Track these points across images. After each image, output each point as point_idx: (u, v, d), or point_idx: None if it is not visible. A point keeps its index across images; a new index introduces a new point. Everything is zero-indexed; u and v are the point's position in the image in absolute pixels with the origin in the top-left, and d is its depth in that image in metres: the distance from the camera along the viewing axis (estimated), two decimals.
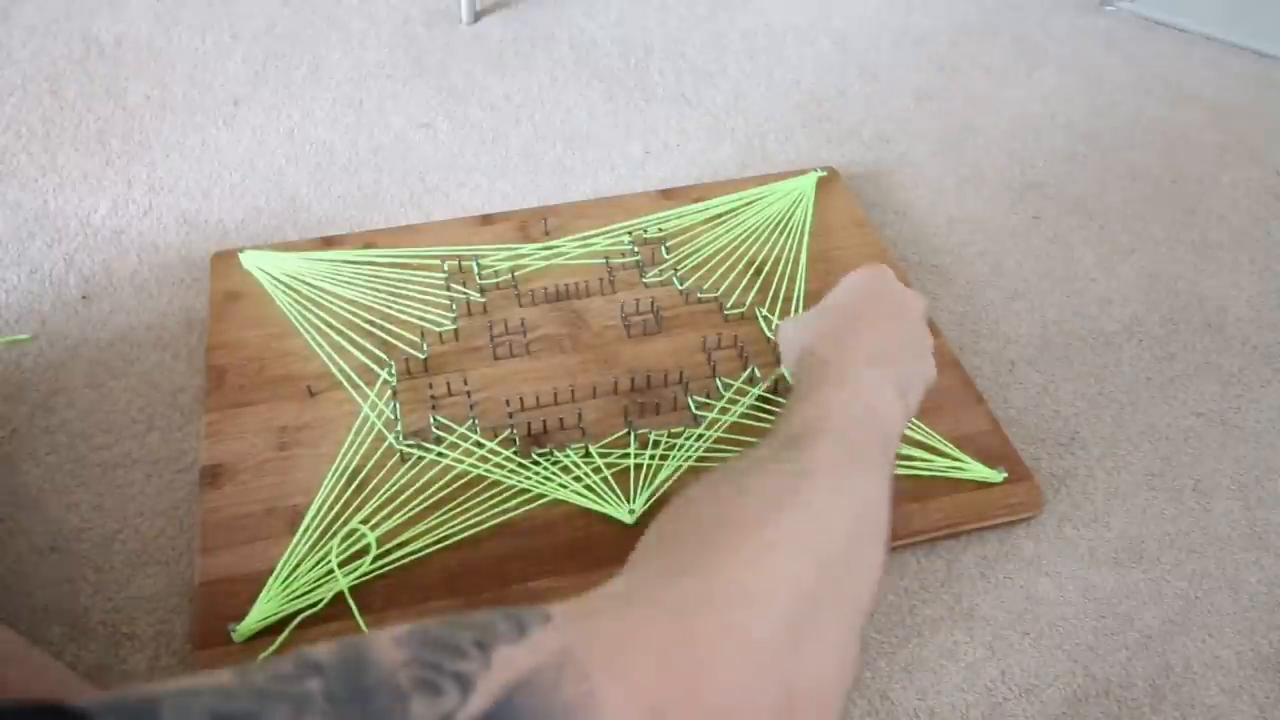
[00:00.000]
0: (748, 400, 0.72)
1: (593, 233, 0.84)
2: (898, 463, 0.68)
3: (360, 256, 0.82)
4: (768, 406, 0.72)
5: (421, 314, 0.77)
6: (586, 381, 0.73)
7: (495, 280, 0.80)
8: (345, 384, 0.72)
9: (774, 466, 0.41)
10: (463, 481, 0.67)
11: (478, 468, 0.68)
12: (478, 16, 1.13)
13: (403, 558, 0.63)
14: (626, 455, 0.69)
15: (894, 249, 0.87)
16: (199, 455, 0.69)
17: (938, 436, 0.70)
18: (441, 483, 0.67)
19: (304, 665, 0.28)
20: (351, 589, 0.61)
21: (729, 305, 0.79)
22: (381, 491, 0.66)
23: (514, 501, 0.66)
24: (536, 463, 0.68)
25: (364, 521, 0.64)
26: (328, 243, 0.84)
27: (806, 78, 1.07)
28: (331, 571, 0.62)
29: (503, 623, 0.30)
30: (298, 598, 0.60)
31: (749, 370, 0.74)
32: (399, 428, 0.70)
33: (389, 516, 0.65)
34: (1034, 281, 0.86)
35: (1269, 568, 0.67)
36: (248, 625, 0.59)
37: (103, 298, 0.81)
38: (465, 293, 0.79)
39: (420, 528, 0.64)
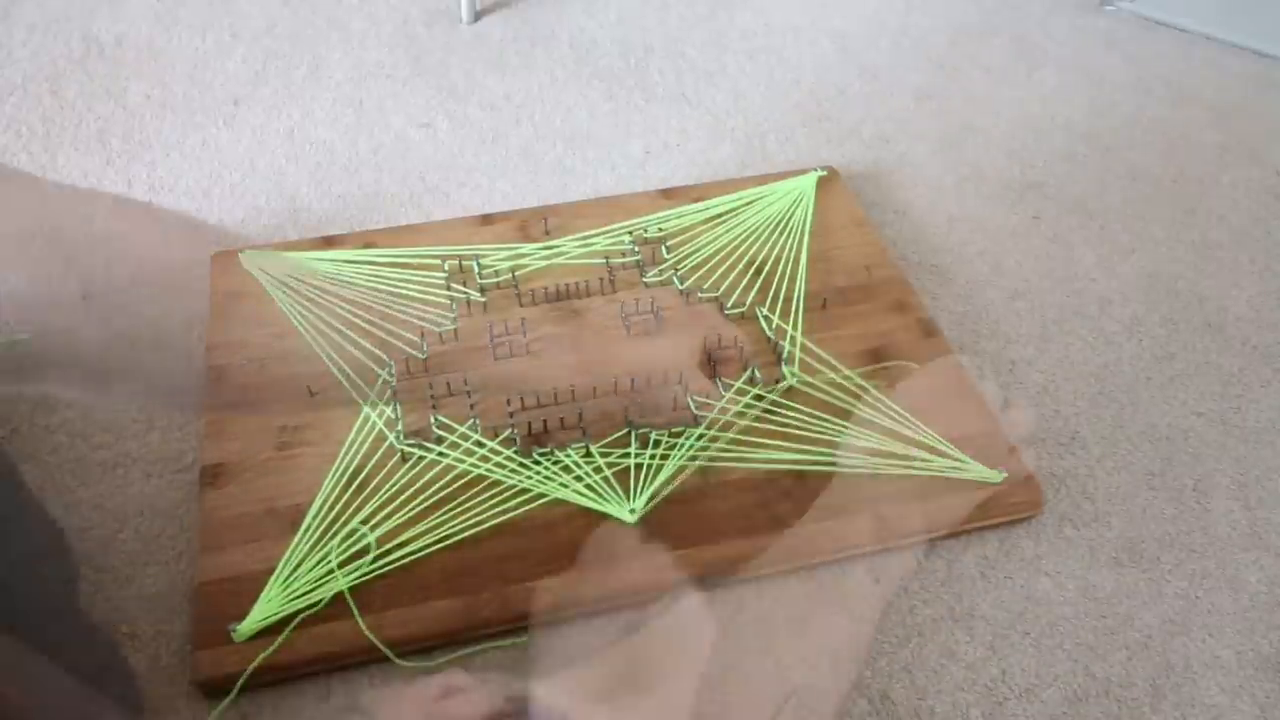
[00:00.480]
0: (748, 400, 0.72)
1: (593, 232, 0.84)
2: (898, 463, 0.68)
3: (360, 256, 0.82)
4: (768, 406, 0.72)
5: (422, 314, 0.77)
6: (587, 381, 0.73)
7: (495, 280, 0.80)
8: (345, 384, 0.72)
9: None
10: (463, 481, 0.67)
11: (478, 467, 0.68)
12: (478, 16, 1.13)
13: (403, 557, 0.63)
14: (627, 455, 0.69)
15: (894, 249, 0.87)
16: (199, 455, 0.69)
17: (937, 436, 0.70)
18: (442, 482, 0.67)
19: None
20: (352, 589, 0.61)
21: (729, 305, 0.79)
22: (382, 491, 0.66)
23: (514, 501, 0.66)
24: (537, 462, 0.68)
25: (364, 521, 0.65)
26: (328, 243, 0.84)
27: (806, 77, 1.07)
28: (332, 571, 0.62)
29: None
30: (298, 597, 0.60)
31: (749, 370, 0.74)
32: (399, 427, 0.70)
33: (389, 516, 0.65)
34: (1034, 281, 0.86)
35: (1269, 568, 0.67)
36: (248, 625, 0.59)
37: (103, 297, 0.81)
38: (465, 292, 0.79)
39: (421, 527, 0.64)
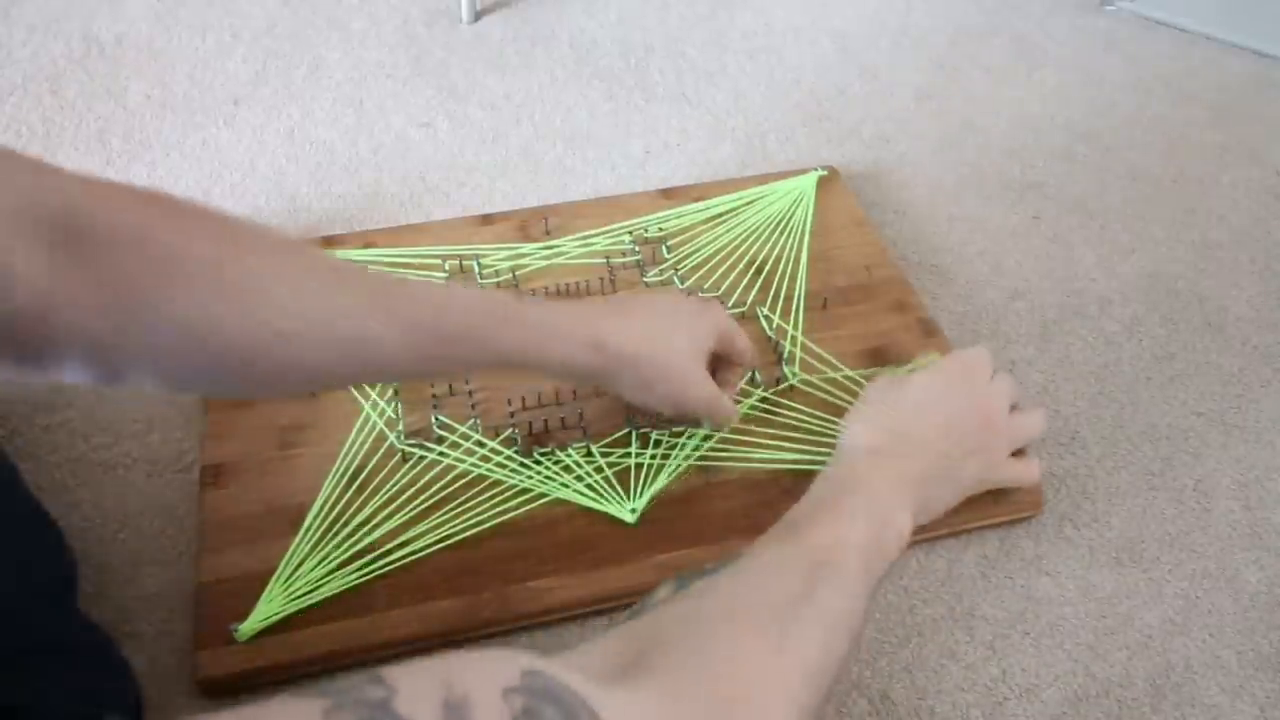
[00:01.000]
0: (749, 400, 0.72)
1: (593, 232, 0.84)
2: None
3: (360, 256, 0.82)
4: (768, 406, 0.72)
5: None
6: None
7: (496, 280, 0.80)
8: None
9: (781, 584, 0.45)
10: (464, 481, 0.67)
11: (479, 467, 0.68)
12: (478, 16, 1.13)
13: (404, 557, 0.63)
14: (628, 454, 0.69)
15: (894, 249, 0.87)
16: (199, 455, 0.69)
17: None
18: (443, 482, 0.67)
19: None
20: (354, 588, 0.61)
21: (730, 305, 0.79)
22: (383, 491, 0.66)
23: (515, 501, 0.66)
24: (538, 462, 0.68)
25: (366, 521, 0.65)
26: (328, 242, 0.84)
27: (806, 77, 1.07)
28: (333, 571, 0.62)
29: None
30: (300, 597, 0.60)
31: (750, 373, 0.74)
32: (400, 427, 0.70)
33: (391, 516, 0.65)
34: (1034, 281, 0.86)
35: (1269, 568, 0.67)
36: (250, 625, 0.59)
37: None
38: None
39: (422, 527, 0.64)
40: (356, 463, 0.68)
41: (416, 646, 0.60)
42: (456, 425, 0.70)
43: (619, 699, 0.34)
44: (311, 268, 0.45)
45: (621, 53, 1.10)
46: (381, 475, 0.67)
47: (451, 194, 0.92)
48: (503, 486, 0.67)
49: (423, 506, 0.65)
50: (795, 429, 0.71)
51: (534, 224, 0.85)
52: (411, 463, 0.68)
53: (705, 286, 0.80)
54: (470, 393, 0.72)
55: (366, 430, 0.70)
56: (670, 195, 0.89)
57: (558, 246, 0.83)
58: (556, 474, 0.67)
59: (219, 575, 0.62)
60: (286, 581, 0.61)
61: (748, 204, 0.88)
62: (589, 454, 0.69)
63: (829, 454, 0.69)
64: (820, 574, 0.46)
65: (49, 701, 0.51)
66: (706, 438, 0.69)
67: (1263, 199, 0.95)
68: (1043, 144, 1.00)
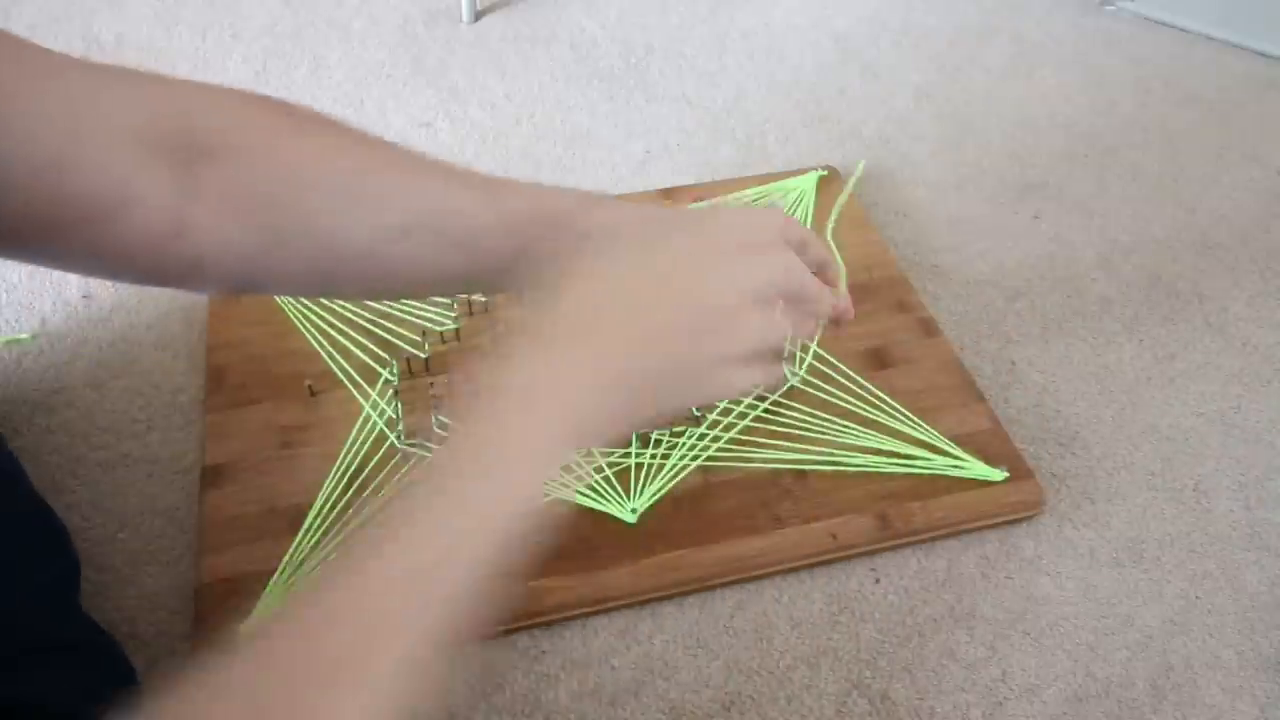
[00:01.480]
0: (749, 400, 0.72)
1: None
2: (898, 462, 0.68)
3: None
4: (769, 406, 0.72)
5: (423, 313, 0.77)
6: None
7: None
8: (347, 383, 0.72)
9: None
10: None
11: None
12: (478, 16, 1.13)
13: None
14: (628, 454, 0.69)
15: (894, 249, 0.87)
16: (199, 455, 0.69)
17: (939, 435, 0.70)
18: None
19: None
20: None
21: None
22: (384, 491, 0.66)
23: None
24: None
25: (366, 521, 0.64)
26: None
27: (806, 77, 1.07)
28: None
29: None
30: None
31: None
32: (400, 427, 0.70)
33: None
34: (1034, 281, 0.86)
35: (1269, 568, 0.67)
36: (250, 625, 0.59)
37: (103, 297, 0.81)
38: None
39: None
40: (356, 463, 0.68)
41: None
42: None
43: None
44: (424, 168, 0.46)
45: (621, 53, 1.10)
46: (382, 475, 0.67)
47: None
48: None
49: None
50: (795, 429, 0.71)
51: None
52: (412, 462, 0.68)
53: None
54: None
55: (366, 430, 0.70)
56: (670, 195, 0.89)
57: None
58: (556, 474, 0.67)
59: (219, 575, 0.62)
60: (287, 582, 0.61)
61: (748, 204, 0.87)
62: (589, 454, 0.69)
63: (829, 453, 0.69)
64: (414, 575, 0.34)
65: (51, 700, 0.51)
66: (706, 437, 0.69)
67: (1263, 199, 0.95)
68: (1043, 144, 1.00)
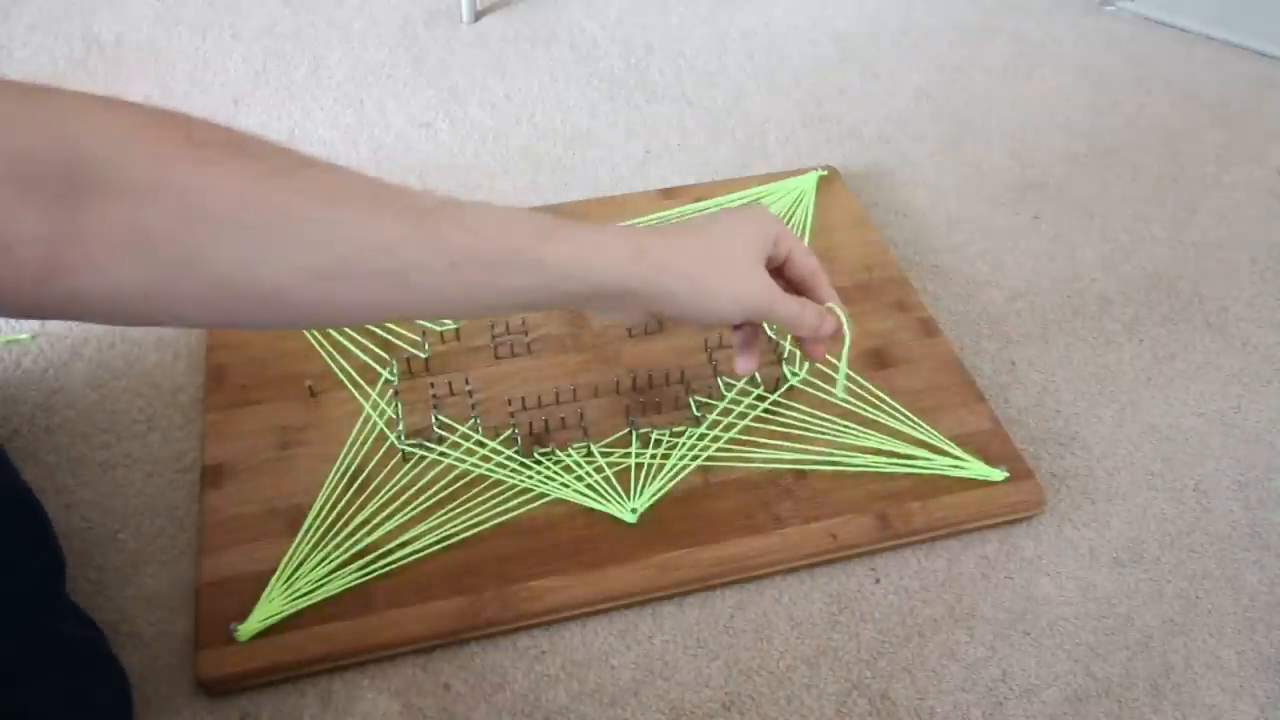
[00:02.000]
0: (749, 400, 0.72)
1: None
2: (898, 462, 0.68)
3: None
4: (769, 406, 0.72)
5: None
6: (588, 381, 0.73)
7: None
8: (347, 383, 0.73)
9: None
10: (464, 481, 0.67)
11: (479, 467, 0.68)
12: (478, 16, 1.13)
13: (404, 557, 0.63)
14: (628, 454, 0.69)
15: (894, 249, 0.87)
16: (199, 455, 0.69)
17: (939, 435, 0.70)
18: (443, 482, 0.67)
19: None
20: (354, 588, 0.61)
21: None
22: (383, 491, 0.66)
23: (515, 501, 0.66)
24: (538, 462, 0.68)
25: (366, 521, 0.65)
26: None
27: (807, 77, 1.07)
28: (333, 571, 0.62)
29: None
30: (300, 597, 0.60)
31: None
32: (400, 427, 0.70)
33: (391, 516, 0.65)
34: (1034, 281, 0.86)
35: (1269, 568, 0.67)
36: (250, 625, 0.59)
37: None
38: None
39: (422, 527, 0.64)
40: (356, 463, 0.68)
41: (417, 647, 0.61)
42: (456, 425, 0.70)
43: None
44: (346, 197, 0.42)
45: (621, 53, 1.10)
46: (381, 475, 0.67)
47: (451, 194, 0.92)
48: (503, 486, 0.67)
49: (423, 506, 0.65)
50: (795, 429, 0.71)
51: None
52: (411, 463, 0.68)
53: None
54: (470, 393, 0.72)
55: (366, 430, 0.70)
56: (670, 195, 0.89)
57: None
58: (556, 474, 0.67)
59: (219, 575, 0.62)
60: (286, 582, 0.61)
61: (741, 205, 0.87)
62: (589, 454, 0.69)
63: (829, 453, 0.69)
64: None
65: (33, 711, 0.50)
66: (706, 437, 0.70)
67: (1263, 199, 0.95)
68: (1043, 144, 1.00)
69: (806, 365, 0.74)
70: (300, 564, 0.62)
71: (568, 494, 0.66)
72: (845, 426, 0.71)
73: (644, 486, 0.67)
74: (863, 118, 1.02)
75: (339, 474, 0.67)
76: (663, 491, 0.67)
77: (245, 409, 0.71)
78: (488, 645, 0.62)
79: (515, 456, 0.68)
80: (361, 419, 0.70)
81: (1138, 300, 0.85)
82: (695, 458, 0.68)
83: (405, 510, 0.65)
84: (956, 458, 0.69)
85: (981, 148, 0.99)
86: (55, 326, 0.78)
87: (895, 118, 1.02)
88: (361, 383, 0.73)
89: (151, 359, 0.77)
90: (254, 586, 0.61)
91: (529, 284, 0.46)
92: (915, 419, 0.71)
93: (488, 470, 0.67)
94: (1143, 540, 0.69)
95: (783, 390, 0.73)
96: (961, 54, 1.11)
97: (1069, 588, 0.66)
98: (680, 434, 0.70)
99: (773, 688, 0.60)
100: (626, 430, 0.70)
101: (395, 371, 0.73)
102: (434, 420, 0.70)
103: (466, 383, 0.73)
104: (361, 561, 0.62)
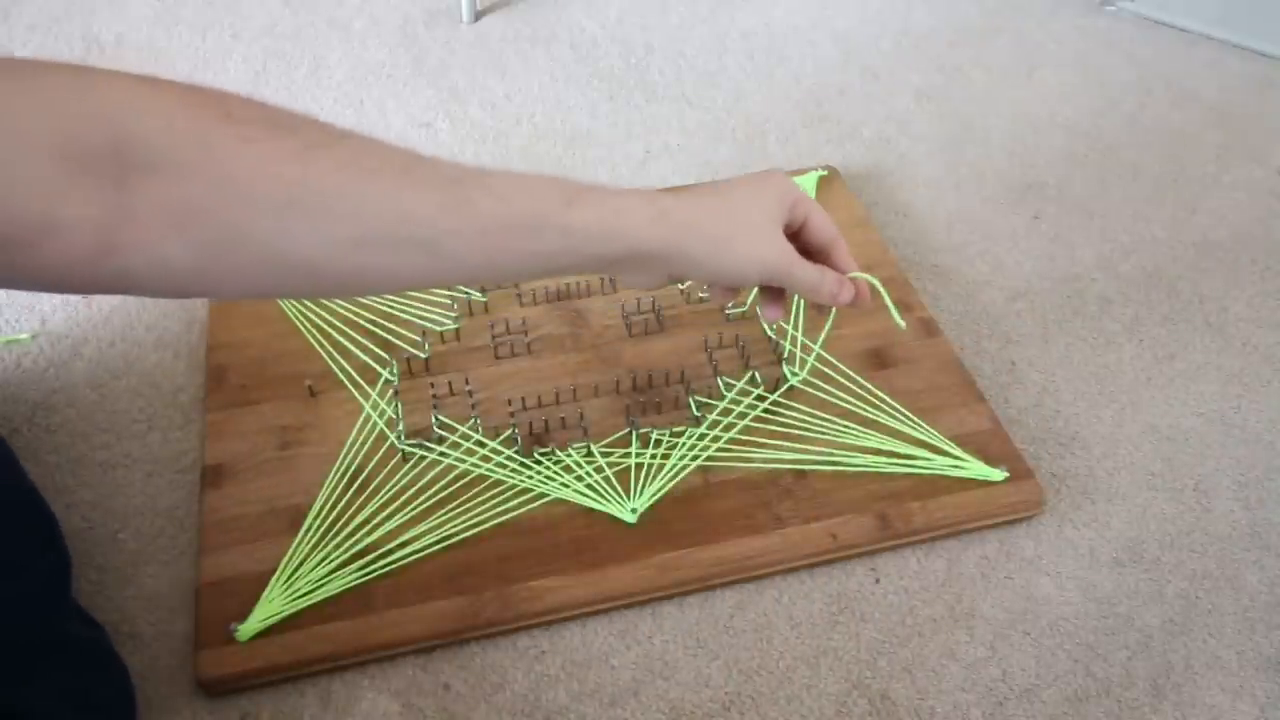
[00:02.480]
0: (749, 400, 0.72)
1: None
2: (898, 462, 0.68)
3: None
4: (769, 406, 0.72)
5: (423, 313, 0.77)
6: (588, 381, 0.73)
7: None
8: (347, 383, 0.73)
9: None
10: (464, 481, 0.67)
11: (479, 467, 0.68)
12: (478, 16, 1.13)
13: (404, 557, 0.63)
14: (628, 454, 0.69)
15: (894, 249, 0.87)
16: (199, 455, 0.69)
17: (939, 435, 0.70)
18: (443, 482, 0.67)
19: None
20: (354, 588, 0.61)
21: (730, 304, 0.79)
22: (383, 491, 0.66)
23: (515, 501, 0.66)
24: (538, 462, 0.68)
25: (366, 521, 0.65)
26: None
27: (807, 77, 1.07)
28: (333, 571, 0.62)
29: None
30: (300, 597, 0.60)
31: (750, 373, 0.74)
32: (400, 427, 0.70)
33: (391, 516, 0.65)
34: (1034, 281, 0.86)
35: (1269, 568, 0.67)
36: (250, 625, 0.59)
37: (103, 297, 0.81)
38: (466, 292, 0.79)
39: (422, 527, 0.64)
40: (356, 463, 0.68)
41: (417, 647, 0.61)
42: (456, 425, 0.70)
43: None
44: (379, 169, 0.43)
45: (621, 53, 1.10)
46: (381, 475, 0.67)
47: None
48: (503, 486, 0.67)
49: (423, 506, 0.65)
50: (795, 429, 0.71)
51: None
52: (411, 463, 0.68)
53: (705, 286, 0.80)
54: (470, 393, 0.72)
55: (366, 430, 0.70)
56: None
57: None
58: (556, 474, 0.67)
59: (219, 575, 0.62)
60: (286, 582, 0.61)
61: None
62: (589, 454, 0.69)
63: (828, 453, 0.69)
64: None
65: (39, 711, 0.51)
66: (706, 437, 0.70)
67: (1263, 199, 0.95)
68: (1043, 144, 1.00)
69: (807, 365, 0.74)
70: (300, 564, 0.62)
71: (568, 494, 0.66)
72: (845, 426, 0.71)
73: (644, 486, 0.67)
74: (863, 118, 1.02)
75: (339, 474, 0.67)
76: (663, 491, 0.67)
77: (245, 409, 0.71)
78: (488, 645, 0.62)
79: (515, 456, 0.68)
80: (361, 419, 0.70)
81: (1138, 300, 0.85)
82: (695, 458, 0.68)
83: (405, 510, 0.65)
84: (956, 458, 0.69)
85: (981, 148, 0.99)
86: (55, 326, 0.78)
87: (895, 118, 1.02)
88: (361, 383, 0.73)
89: (151, 359, 0.77)
90: (254, 586, 0.61)
91: (555, 248, 0.48)
92: (915, 419, 0.71)
93: (488, 470, 0.67)
94: (1143, 540, 0.69)
95: (783, 390, 0.73)
96: (962, 54, 1.11)
97: (1069, 588, 0.66)
98: (680, 434, 0.70)
99: (773, 688, 0.60)
100: (626, 430, 0.70)
101: (395, 371, 0.73)
102: (434, 420, 0.70)
103: (466, 383, 0.73)
104: (361, 561, 0.62)
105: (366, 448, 0.69)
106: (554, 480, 0.67)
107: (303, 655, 0.59)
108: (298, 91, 1.02)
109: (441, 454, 0.68)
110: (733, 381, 0.74)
